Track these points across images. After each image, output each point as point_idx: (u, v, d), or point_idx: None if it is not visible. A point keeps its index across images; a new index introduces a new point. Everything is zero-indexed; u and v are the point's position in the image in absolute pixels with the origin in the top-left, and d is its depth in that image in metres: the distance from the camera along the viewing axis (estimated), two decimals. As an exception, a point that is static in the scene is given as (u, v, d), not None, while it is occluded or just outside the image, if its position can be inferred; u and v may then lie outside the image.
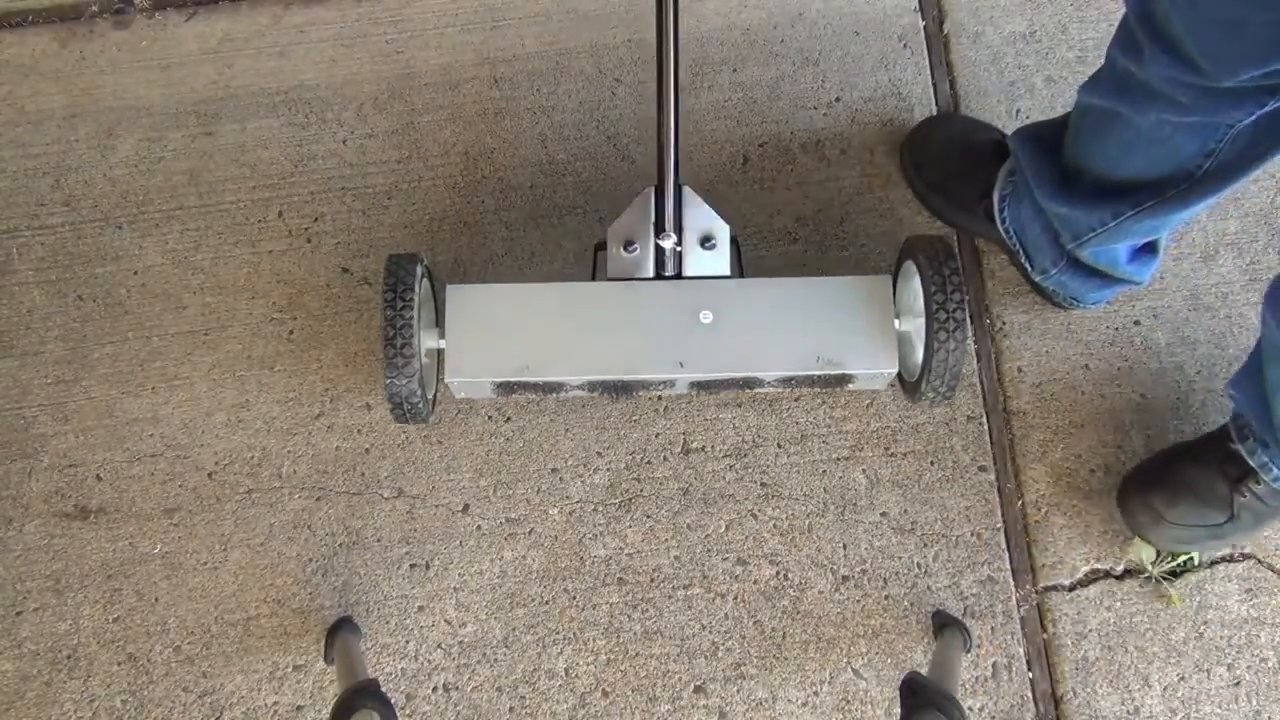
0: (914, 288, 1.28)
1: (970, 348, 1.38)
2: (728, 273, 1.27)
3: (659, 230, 1.24)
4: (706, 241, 1.26)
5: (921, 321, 1.24)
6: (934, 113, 1.51)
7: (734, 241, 1.30)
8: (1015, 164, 1.25)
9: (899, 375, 1.30)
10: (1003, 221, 1.31)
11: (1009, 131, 1.36)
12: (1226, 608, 1.31)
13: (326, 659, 1.30)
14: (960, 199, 1.39)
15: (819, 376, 1.27)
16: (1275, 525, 1.29)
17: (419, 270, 1.23)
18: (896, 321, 1.26)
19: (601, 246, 1.24)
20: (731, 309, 1.25)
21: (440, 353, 1.28)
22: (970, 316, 1.25)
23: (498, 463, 1.39)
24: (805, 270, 1.45)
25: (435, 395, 1.35)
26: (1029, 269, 1.34)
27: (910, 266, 1.28)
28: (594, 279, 1.26)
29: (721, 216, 1.29)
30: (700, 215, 1.28)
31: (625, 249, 1.26)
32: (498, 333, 1.24)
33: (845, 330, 1.25)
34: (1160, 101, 0.95)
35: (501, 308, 1.25)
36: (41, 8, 1.61)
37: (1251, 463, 1.18)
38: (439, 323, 1.26)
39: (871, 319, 1.25)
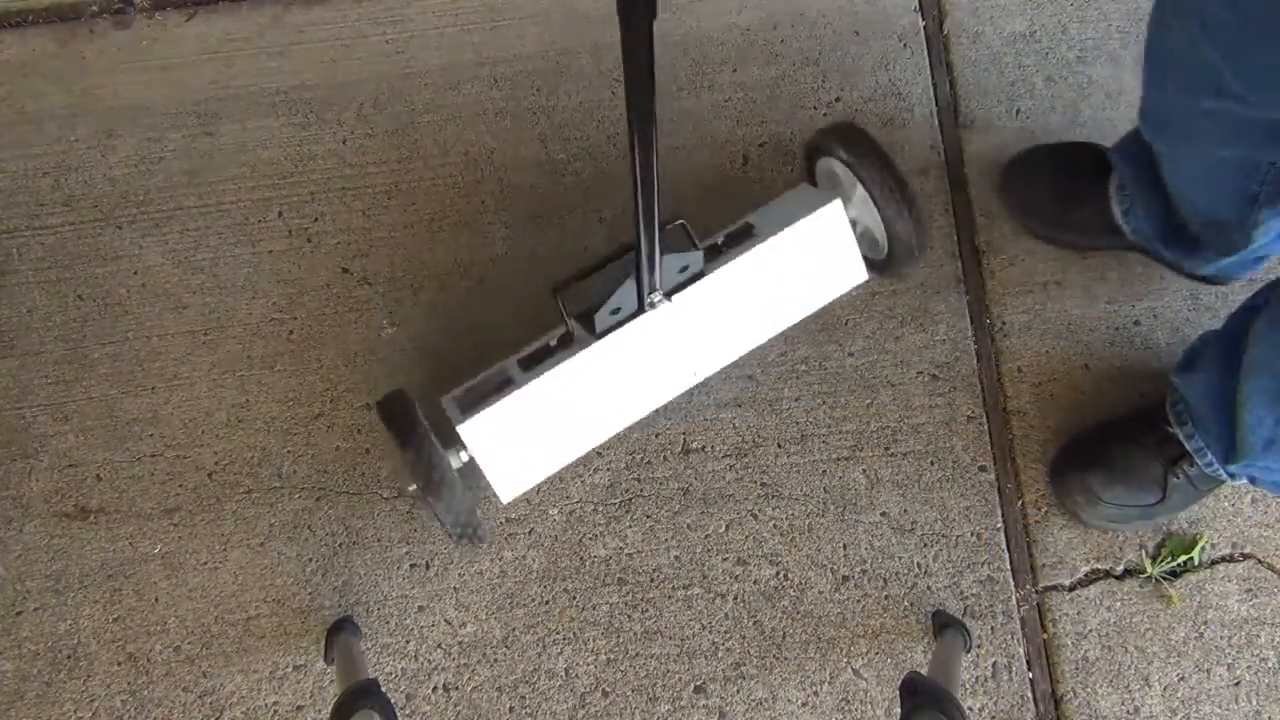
0: (838, 173, 1.30)
1: (920, 208, 1.31)
2: (700, 268, 1.24)
3: (643, 294, 1.19)
4: (682, 270, 1.23)
5: (867, 204, 1.27)
6: (1008, 145, 1.50)
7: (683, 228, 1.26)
8: (1122, 179, 1.29)
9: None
10: (1134, 233, 1.33)
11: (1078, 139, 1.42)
12: (1226, 608, 1.31)
13: (326, 659, 1.30)
14: (1079, 223, 1.40)
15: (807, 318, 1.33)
16: (1200, 504, 1.33)
17: (413, 403, 1.20)
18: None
19: (560, 288, 1.21)
20: (716, 302, 1.25)
21: (464, 467, 1.24)
22: (897, 180, 1.25)
23: (498, 463, 1.39)
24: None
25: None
26: (1181, 268, 1.37)
27: (829, 162, 1.30)
28: (565, 326, 1.23)
29: (721, 213, 1.29)
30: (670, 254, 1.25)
31: (611, 313, 1.21)
32: (528, 440, 1.24)
33: (814, 272, 1.30)
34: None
35: (517, 418, 1.22)
36: (41, 8, 1.61)
37: (1188, 447, 1.22)
38: (448, 442, 1.22)
39: (834, 245, 1.29)
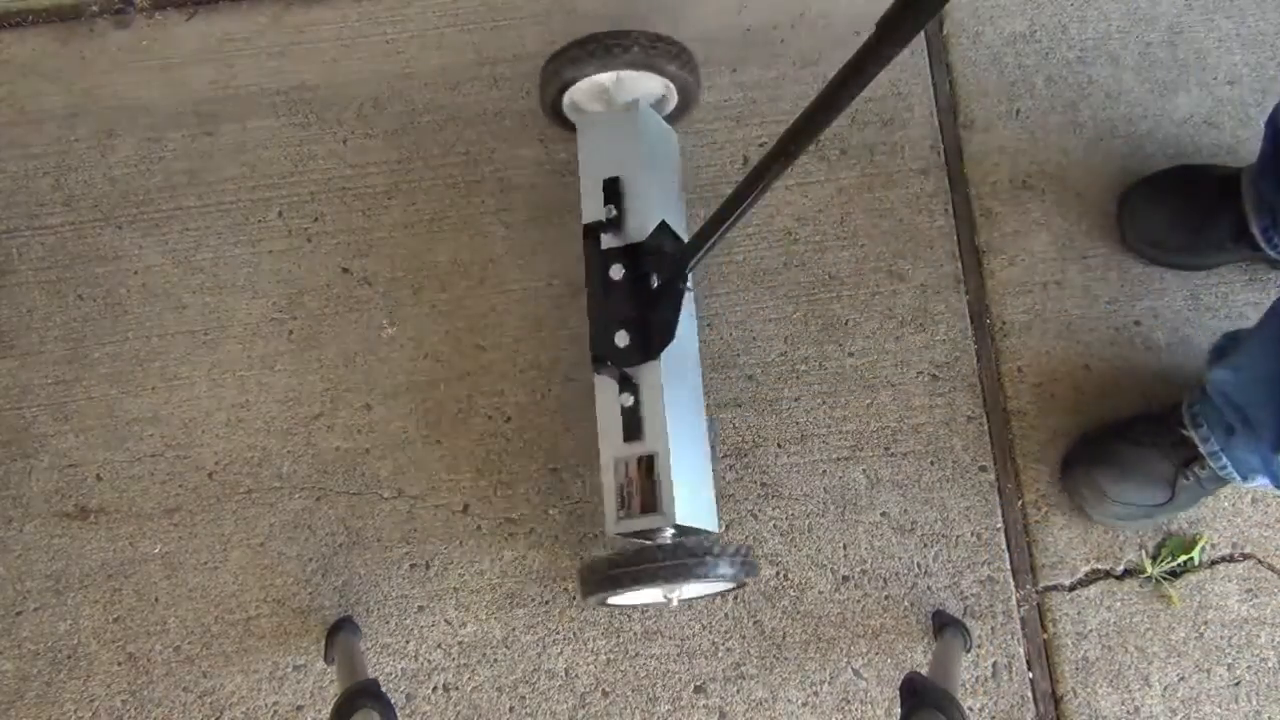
0: (596, 89, 1.36)
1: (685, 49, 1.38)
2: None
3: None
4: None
5: (639, 77, 1.35)
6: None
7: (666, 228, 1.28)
8: (1258, 201, 1.29)
9: None
10: (1276, 248, 1.32)
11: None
12: (1226, 608, 1.31)
13: (327, 659, 1.30)
14: (1209, 244, 1.39)
15: None
16: (1200, 504, 1.33)
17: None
18: None
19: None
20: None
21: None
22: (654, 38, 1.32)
23: (498, 463, 1.39)
24: (804, 269, 1.45)
25: None
26: None
27: (576, 91, 1.36)
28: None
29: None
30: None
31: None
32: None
33: None
34: None
35: None
36: (41, 8, 1.61)
37: (1202, 450, 1.22)
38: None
39: None
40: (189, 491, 1.39)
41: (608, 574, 1.14)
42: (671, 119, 1.44)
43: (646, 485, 1.22)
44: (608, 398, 1.25)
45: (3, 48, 1.59)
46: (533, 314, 1.44)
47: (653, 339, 1.23)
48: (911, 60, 1.54)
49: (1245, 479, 1.21)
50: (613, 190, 1.30)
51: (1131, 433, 1.30)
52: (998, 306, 1.43)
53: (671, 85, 1.38)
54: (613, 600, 1.22)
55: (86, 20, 1.60)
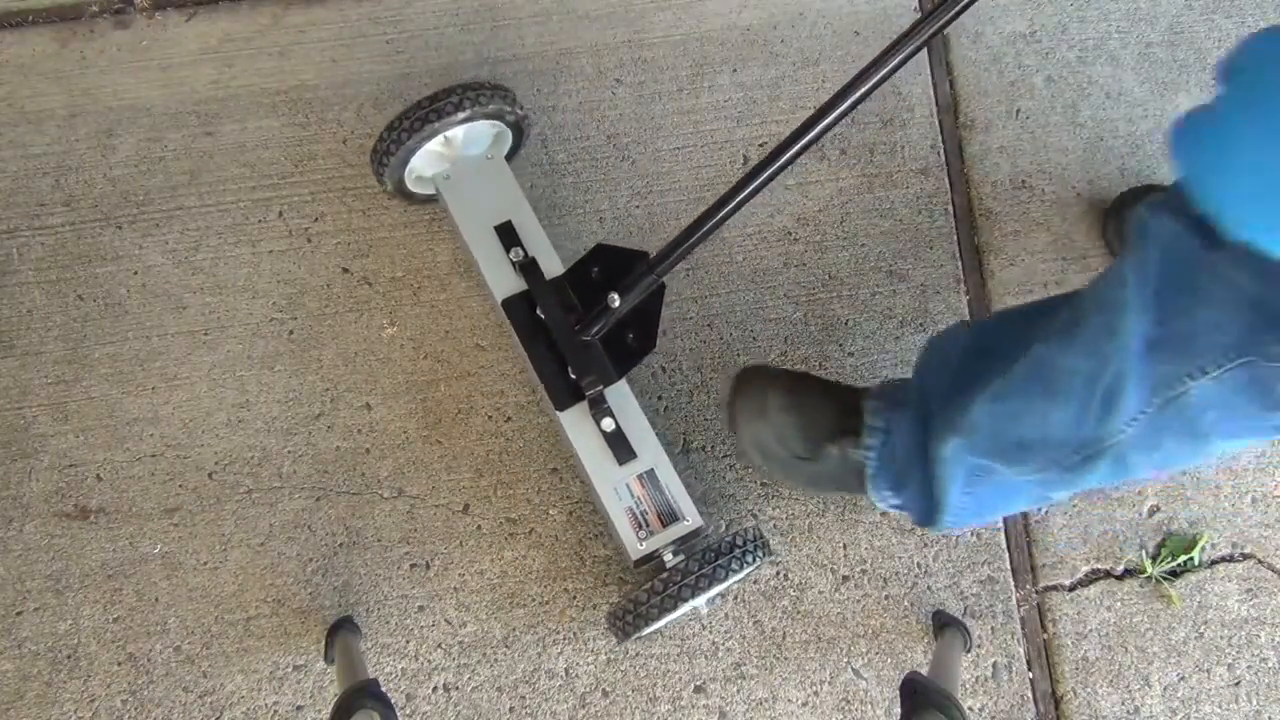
0: (443, 147, 1.37)
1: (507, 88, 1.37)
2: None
3: None
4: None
5: (479, 128, 1.36)
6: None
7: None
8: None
9: None
10: None
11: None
12: (1226, 608, 1.31)
13: (327, 659, 1.30)
14: None
15: None
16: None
17: None
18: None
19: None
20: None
21: None
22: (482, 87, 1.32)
23: (498, 463, 1.39)
24: (804, 269, 1.45)
25: None
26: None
27: (422, 160, 1.35)
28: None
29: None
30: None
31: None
32: None
33: None
34: None
35: None
36: (41, 8, 1.61)
37: (864, 431, 1.18)
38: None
39: None
40: (189, 491, 1.39)
41: (648, 605, 1.14)
42: (510, 155, 1.44)
43: (656, 499, 1.22)
44: (583, 430, 1.25)
45: (3, 48, 1.59)
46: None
47: (628, 354, 1.24)
48: (911, 60, 1.54)
49: (875, 490, 1.20)
50: (508, 235, 1.32)
51: (823, 384, 1.27)
52: (998, 306, 1.43)
53: (500, 126, 1.38)
54: (649, 629, 1.21)
55: (86, 20, 1.60)
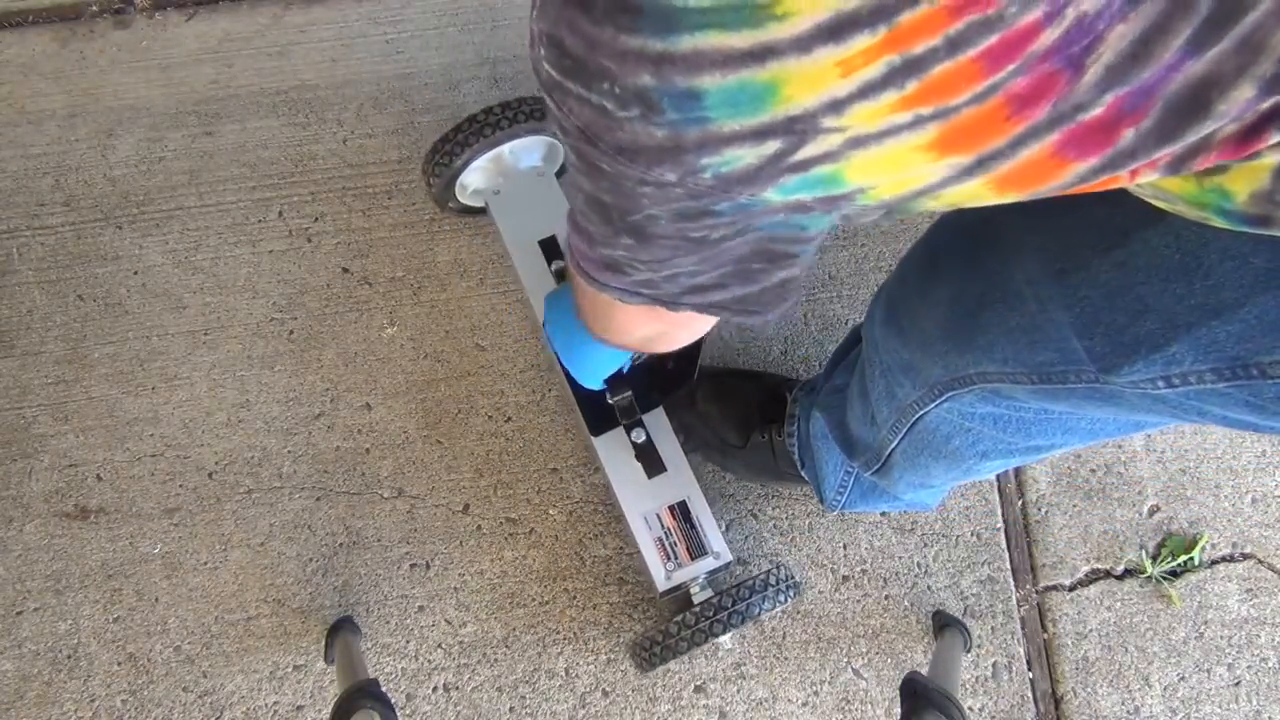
0: (492, 166, 1.35)
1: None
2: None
3: None
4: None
5: (532, 147, 1.35)
6: None
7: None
8: None
9: None
10: None
11: None
12: (1226, 608, 1.31)
13: (327, 659, 1.30)
14: None
15: None
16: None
17: None
18: None
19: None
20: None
21: None
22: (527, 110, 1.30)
23: (498, 463, 1.39)
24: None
25: None
26: None
27: (473, 175, 1.35)
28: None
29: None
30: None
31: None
32: None
33: None
34: None
35: None
36: (41, 8, 1.61)
37: (788, 420, 1.21)
38: None
39: None
40: (189, 491, 1.39)
41: (677, 639, 1.14)
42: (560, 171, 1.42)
43: (686, 531, 1.22)
44: (616, 457, 1.24)
45: (3, 48, 1.59)
46: (533, 314, 1.44)
47: (667, 380, 1.23)
48: (911, 60, 1.54)
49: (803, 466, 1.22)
50: (551, 248, 1.30)
51: (756, 376, 1.32)
52: (998, 306, 1.43)
53: (551, 145, 1.37)
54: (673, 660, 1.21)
55: (86, 20, 1.60)
